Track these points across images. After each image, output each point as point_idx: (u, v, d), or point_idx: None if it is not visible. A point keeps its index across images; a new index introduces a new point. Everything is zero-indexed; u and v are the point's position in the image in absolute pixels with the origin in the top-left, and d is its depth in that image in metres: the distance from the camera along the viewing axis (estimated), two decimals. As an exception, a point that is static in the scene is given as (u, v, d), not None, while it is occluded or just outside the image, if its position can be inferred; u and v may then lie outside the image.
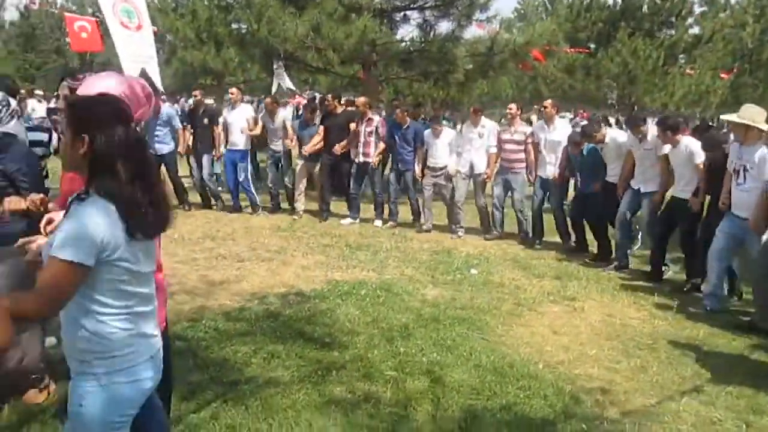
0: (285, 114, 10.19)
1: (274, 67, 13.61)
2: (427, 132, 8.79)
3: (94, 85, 2.32)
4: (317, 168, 9.42)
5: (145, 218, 1.93)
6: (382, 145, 9.00)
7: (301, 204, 9.48)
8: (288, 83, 13.34)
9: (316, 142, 9.19)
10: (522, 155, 8.19)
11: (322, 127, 9.28)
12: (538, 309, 5.59)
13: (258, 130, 9.54)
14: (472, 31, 11.81)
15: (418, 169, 8.79)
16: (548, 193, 8.11)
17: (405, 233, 8.56)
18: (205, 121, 9.50)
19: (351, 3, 9.86)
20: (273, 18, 9.68)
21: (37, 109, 15.05)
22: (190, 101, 12.76)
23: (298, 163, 9.50)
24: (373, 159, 8.97)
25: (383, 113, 11.81)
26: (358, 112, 9.15)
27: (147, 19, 9.33)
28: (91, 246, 1.82)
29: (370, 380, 3.94)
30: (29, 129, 3.92)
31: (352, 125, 9.03)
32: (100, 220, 1.84)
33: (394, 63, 12.10)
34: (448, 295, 5.82)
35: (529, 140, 8.14)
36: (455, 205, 8.52)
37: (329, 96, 9.84)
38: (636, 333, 5.08)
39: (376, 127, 8.92)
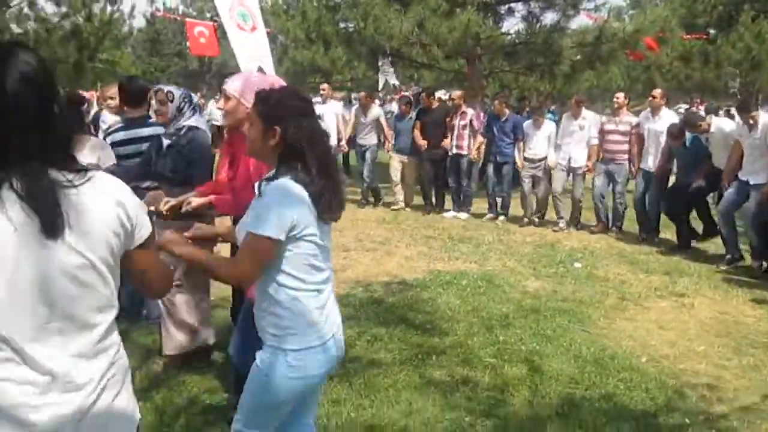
0: (379, 110, 10.42)
1: (380, 64, 13.92)
2: (527, 123, 8.74)
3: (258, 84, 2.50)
4: (413, 163, 9.59)
5: (330, 204, 2.07)
6: (480, 139, 9.03)
7: (400, 196, 9.70)
8: (393, 80, 13.61)
9: (419, 136, 9.36)
10: (626, 146, 7.96)
11: (418, 122, 9.45)
12: (644, 304, 5.47)
13: (349, 130, 9.94)
14: (579, 21, 11.57)
15: (519, 160, 8.74)
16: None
17: (508, 227, 8.56)
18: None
19: (454, -3, 9.94)
20: (378, 16, 9.93)
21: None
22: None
23: (392, 156, 9.74)
24: (472, 152, 9.01)
25: (489, 107, 11.81)
26: (453, 107, 9.27)
27: (260, 21, 9.82)
28: (282, 222, 1.96)
29: (468, 365, 4.06)
30: (154, 124, 4.31)
31: (449, 119, 9.16)
32: (293, 200, 1.99)
33: (498, 56, 12.06)
34: (549, 288, 5.81)
35: (634, 131, 7.90)
36: (554, 197, 8.43)
37: (424, 93, 10.00)
38: (750, 331, 4.87)
39: (471, 120, 8.99)
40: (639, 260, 6.88)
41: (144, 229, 1.52)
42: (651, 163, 7.66)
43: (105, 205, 1.42)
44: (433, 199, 9.61)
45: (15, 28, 15.23)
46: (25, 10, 14.79)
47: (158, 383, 3.79)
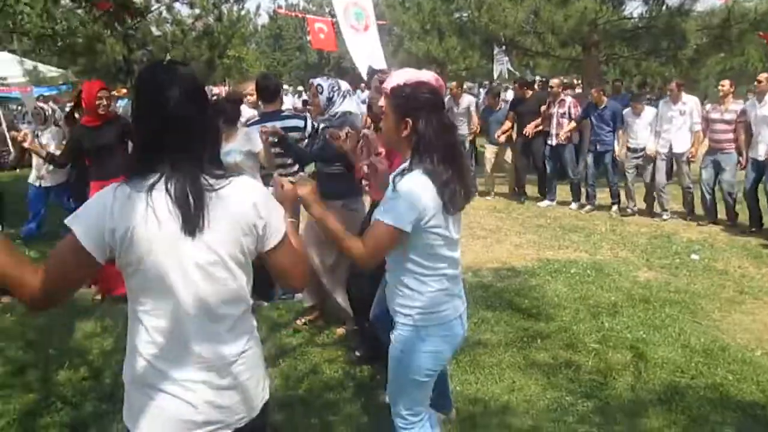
0: (470, 99, 10.46)
1: (495, 53, 13.94)
2: (626, 111, 8.47)
3: (401, 77, 2.61)
4: (507, 153, 9.60)
5: (457, 194, 2.21)
6: (573, 124, 8.89)
7: (492, 186, 9.80)
8: (508, 68, 13.58)
9: (506, 128, 9.38)
10: (731, 135, 7.47)
11: (511, 113, 9.46)
12: (765, 298, 5.28)
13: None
14: (705, 3, 11.00)
15: (618, 149, 8.52)
16: (763, 175, 7.25)
17: (621, 217, 8.41)
18: None
19: (570, -16, 9.81)
20: (493, 5, 10.00)
21: (286, 101, 17.14)
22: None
23: (486, 148, 9.79)
24: (562, 135, 8.89)
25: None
26: (548, 95, 9.18)
27: (373, 19, 10.19)
28: (410, 214, 2.13)
29: (572, 349, 4.17)
30: (287, 117, 4.75)
31: (543, 107, 9.13)
32: (420, 193, 2.14)
33: (618, 42, 11.73)
34: (662, 279, 5.73)
35: (740, 119, 7.40)
36: (657, 189, 8.14)
37: (517, 84, 9.95)
38: None
39: (569, 108, 8.87)
40: (764, 253, 6.58)
41: (277, 232, 1.66)
42: (762, 151, 7.17)
43: (240, 207, 1.58)
44: (543, 189, 9.58)
45: (155, 31, 16.62)
46: (164, 14, 16.11)
47: (285, 352, 4.22)
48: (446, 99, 10.65)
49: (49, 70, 16.19)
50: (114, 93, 18.03)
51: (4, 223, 6.67)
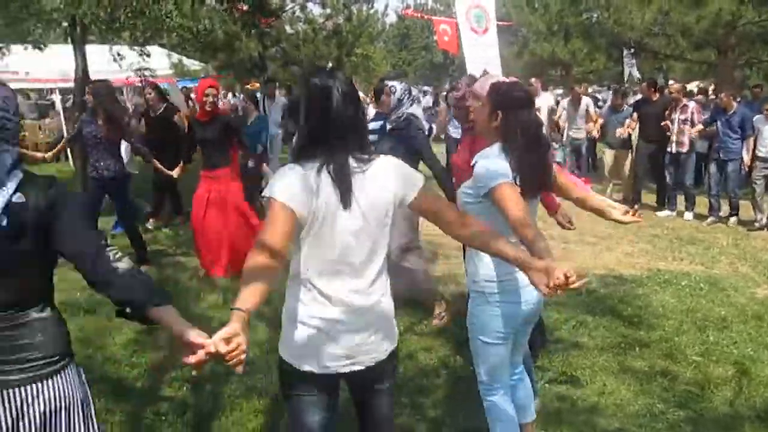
0: (587, 101, 10.16)
1: (624, 55, 13.49)
2: (757, 117, 7.91)
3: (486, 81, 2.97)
4: (628, 157, 9.26)
5: (533, 181, 2.51)
6: (699, 127, 8.37)
7: (615, 193, 9.49)
8: (635, 72, 13.10)
9: (629, 126, 9.07)
10: None
11: (635, 114, 9.09)
12: None
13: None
14: None
15: (747, 158, 8.00)
16: None
17: (747, 232, 7.94)
18: None
19: (706, -15, 9.33)
20: (620, 6, 9.72)
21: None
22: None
23: (605, 153, 9.48)
24: (690, 134, 8.40)
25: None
26: (674, 99, 8.72)
27: (494, 22, 10.20)
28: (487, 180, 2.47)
29: (671, 360, 4.10)
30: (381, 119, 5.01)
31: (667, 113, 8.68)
32: (495, 169, 2.46)
33: (760, 45, 11.01)
34: (784, 298, 5.43)
35: None
36: None
37: (644, 84, 9.47)
38: None
39: (692, 114, 8.42)
40: None
41: (413, 187, 2.03)
42: None
43: (383, 178, 1.99)
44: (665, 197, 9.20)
45: (288, 29, 17.54)
46: (297, 13, 16.98)
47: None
48: (564, 101, 10.53)
49: (192, 64, 17.54)
50: (248, 86, 19.28)
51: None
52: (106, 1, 6.36)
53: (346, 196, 1.91)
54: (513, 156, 2.48)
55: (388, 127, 4.63)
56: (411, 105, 4.59)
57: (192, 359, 1.59)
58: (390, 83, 4.59)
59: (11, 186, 1.68)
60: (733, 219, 8.29)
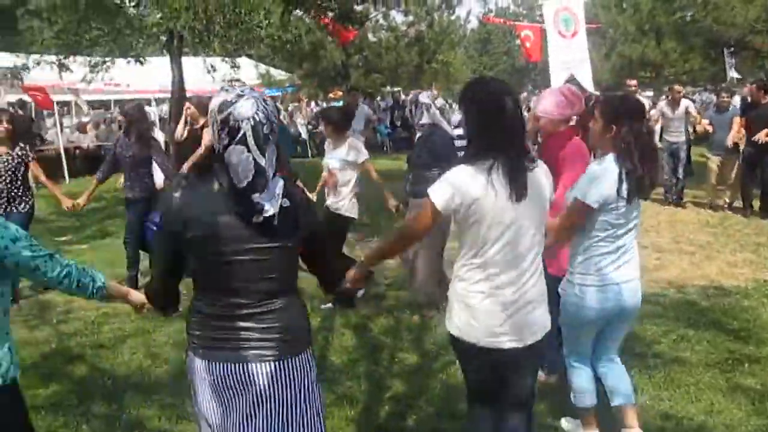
0: (687, 102, 9.64)
1: (725, 55, 12.81)
2: None
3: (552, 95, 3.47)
4: (735, 163, 8.75)
5: (643, 187, 2.73)
6: None
7: (720, 200, 8.99)
8: (734, 72, 12.42)
9: (737, 133, 8.51)
10: None
11: (741, 119, 8.54)
12: None
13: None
14: None
15: None
16: None
17: None
18: None
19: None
20: (719, 4, 9.24)
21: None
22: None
23: (709, 158, 8.97)
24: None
25: None
26: None
27: (582, 25, 9.89)
28: (599, 194, 2.68)
29: (786, 379, 3.82)
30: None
31: None
32: (610, 178, 2.68)
33: None
34: None
35: None
36: None
37: (753, 86, 8.82)
38: None
39: None
40: None
41: (553, 192, 2.47)
42: None
43: (543, 181, 2.35)
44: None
45: (371, 37, 17.73)
46: (380, 21, 17.13)
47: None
48: (662, 103, 10.05)
49: (279, 74, 18.03)
50: (330, 95, 19.61)
51: None
52: (202, 13, 6.61)
53: (520, 191, 2.21)
54: (625, 166, 2.68)
55: (418, 134, 5.08)
56: (435, 115, 4.98)
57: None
58: (415, 92, 4.99)
59: (279, 191, 1.89)
60: None
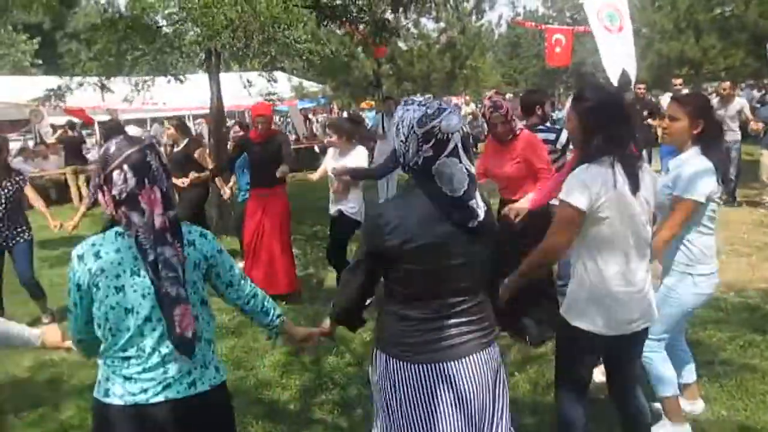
0: (742, 102, 9.45)
1: (768, 50, 12.46)
2: None
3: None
4: None
5: (726, 175, 3.01)
6: None
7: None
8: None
9: None
10: None
11: None
12: None
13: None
14: None
15: None
16: None
17: None
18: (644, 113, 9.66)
19: None
20: (765, -1, 8.98)
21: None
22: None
23: (763, 153, 8.72)
24: None
25: None
26: None
27: (628, 19, 9.72)
28: (707, 188, 2.88)
29: None
30: (541, 130, 4.81)
31: None
32: (710, 172, 2.90)
33: None
34: None
35: None
36: None
37: None
38: None
39: None
40: None
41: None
42: None
43: (652, 178, 2.61)
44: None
45: (402, 46, 17.74)
46: (412, 29, 17.13)
47: (532, 360, 4.30)
48: (714, 101, 9.88)
49: (311, 86, 18.14)
50: (363, 105, 19.65)
51: None
52: (241, 32, 6.64)
53: (636, 185, 2.45)
54: (717, 157, 2.94)
55: None
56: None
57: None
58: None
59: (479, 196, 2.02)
60: None
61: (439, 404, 2.02)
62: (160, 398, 1.90)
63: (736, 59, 15.33)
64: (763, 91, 19.92)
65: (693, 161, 2.94)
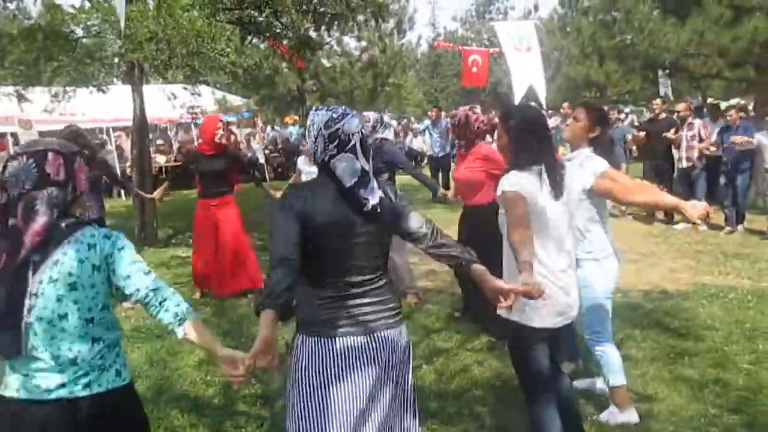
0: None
1: (659, 75, 13.60)
2: (762, 133, 8.44)
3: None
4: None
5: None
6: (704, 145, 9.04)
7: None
8: (668, 92, 13.21)
9: (639, 137, 9.71)
10: None
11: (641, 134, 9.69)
12: None
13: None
14: None
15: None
16: None
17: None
18: None
19: (739, 5, 9.41)
20: (653, 29, 9.91)
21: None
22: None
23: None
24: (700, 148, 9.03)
25: None
26: (677, 119, 9.42)
27: (535, 42, 10.47)
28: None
29: (722, 368, 4.21)
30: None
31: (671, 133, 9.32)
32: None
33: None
34: (833, 308, 5.46)
35: None
36: None
37: (657, 101, 10.11)
38: None
39: (698, 131, 9.06)
40: None
41: (588, 180, 3.29)
42: None
43: (573, 181, 3.08)
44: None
45: (325, 63, 18.08)
46: (335, 47, 17.52)
47: (439, 353, 4.68)
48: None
49: (235, 99, 18.18)
50: (287, 120, 19.83)
51: None
52: (165, 44, 6.80)
53: (557, 190, 2.86)
54: (604, 153, 3.45)
55: None
56: (384, 131, 6.05)
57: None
58: (367, 114, 5.67)
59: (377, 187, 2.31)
60: (740, 227, 8.79)
61: (347, 376, 2.23)
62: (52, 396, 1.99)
63: (635, 84, 16.60)
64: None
65: (589, 154, 3.41)
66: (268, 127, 21.60)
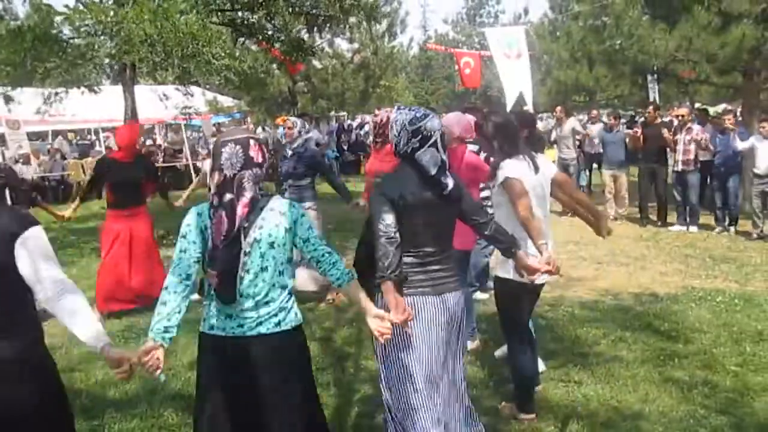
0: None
1: (648, 80, 13.74)
2: (754, 137, 8.60)
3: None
4: (623, 177, 10.17)
5: None
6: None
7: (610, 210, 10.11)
8: (656, 96, 13.36)
9: (635, 136, 9.81)
10: None
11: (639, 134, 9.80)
12: None
13: None
14: None
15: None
16: None
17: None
18: None
19: (727, 12, 9.52)
20: (642, 35, 10.01)
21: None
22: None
23: (602, 173, 10.52)
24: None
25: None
26: (679, 124, 9.54)
27: (525, 48, 10.58)
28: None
29: (710, 370, 4.29)
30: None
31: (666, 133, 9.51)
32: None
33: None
34: (818, 312, 5.56)
35: None
36: None
37: (650, 109, 10.25)
38: None
39: (696, 135, 9.15)
40: None
41: (552, 168, 3.93)
42: None
43: (544, 165, 3.68)
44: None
45: (317, 65, 18.11)
46: (326, 48, 17.55)
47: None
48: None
49: (226, 100, 18.16)
50: (278, 121, 19.82)
51: None
52: (160, 46, 6.81)
53: (536, 169, 3.50)
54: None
55: (289, 152, 5.93)
56: (308, 134, 6.32)
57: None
58: (292, 119, 6.02)
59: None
60: (732, 229, 9.06)
61: (424, 327, 2.75)
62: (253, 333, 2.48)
63: (624, 88, 16.71)
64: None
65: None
66: (259, 129, 21.57)
